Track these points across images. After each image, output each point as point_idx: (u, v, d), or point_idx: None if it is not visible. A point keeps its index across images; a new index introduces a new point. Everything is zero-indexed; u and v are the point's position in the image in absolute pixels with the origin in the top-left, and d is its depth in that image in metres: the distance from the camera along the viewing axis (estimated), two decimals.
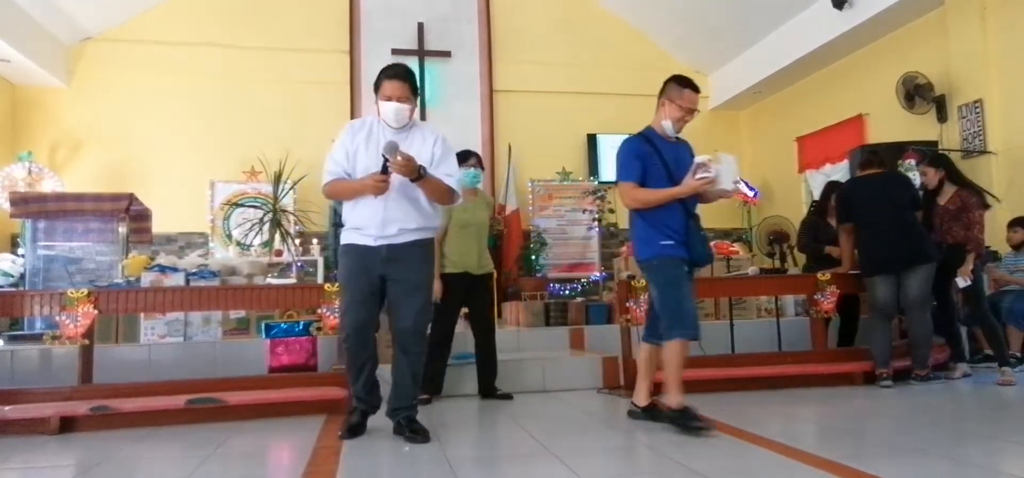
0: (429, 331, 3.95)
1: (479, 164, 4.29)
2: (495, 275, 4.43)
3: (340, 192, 3.14)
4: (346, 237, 3.15)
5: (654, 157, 3.29)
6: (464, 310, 4.27)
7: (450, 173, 3.14)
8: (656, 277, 3.25)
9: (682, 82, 3.29)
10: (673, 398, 3.14)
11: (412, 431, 3.05)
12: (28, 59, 7.02)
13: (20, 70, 7.30)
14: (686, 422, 3.03)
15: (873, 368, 4.34)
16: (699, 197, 3.28)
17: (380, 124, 3.13)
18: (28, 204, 5.50)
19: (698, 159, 3.19)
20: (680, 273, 3.21)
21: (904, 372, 4.40)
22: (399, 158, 2.87)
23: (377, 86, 3.11)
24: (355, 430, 3.13)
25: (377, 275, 3.07)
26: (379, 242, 3.05)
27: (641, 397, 3.39)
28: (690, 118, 3.32)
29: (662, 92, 3.37)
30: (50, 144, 7.75)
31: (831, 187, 5.30)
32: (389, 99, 3.06)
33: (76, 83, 7.90)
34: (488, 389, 4.14)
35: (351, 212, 3.13)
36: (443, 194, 3.13)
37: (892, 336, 4.50)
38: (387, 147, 2.88)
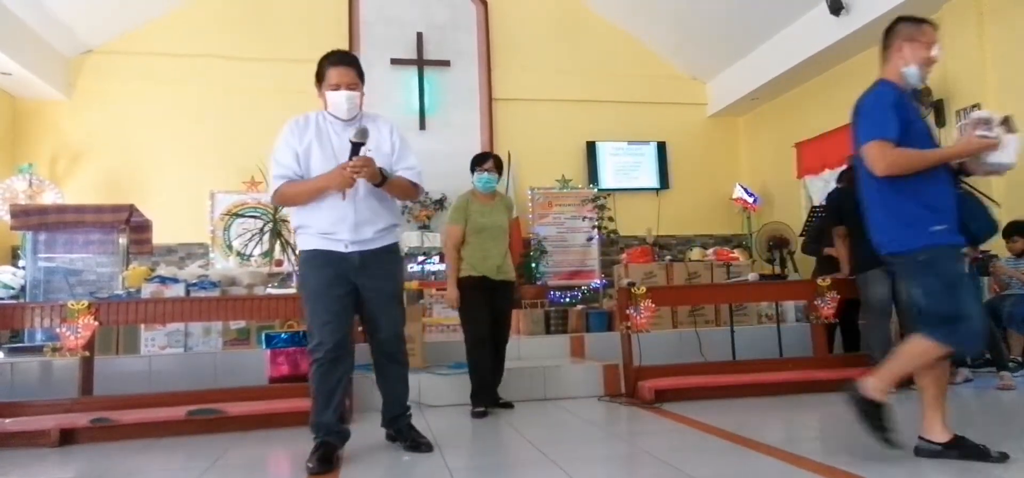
0: (465, 339, 3.96)
1: (497, 167, 4.09)
2: (515, 283, 4.24)
3: (297, 194, 2.80)
4: (310, 242, 2.85)
5: (909, 110, 2.55)
6: None
7: (411, 166, 2.96)
8: (928, 275, 2.47)
9: (915, 19, 2.63)
10: (879, 388, 2.52)
11: (414, 440, 3.02)
12: (29, 72, 7.04)
13: (21, 83, 7.32)
14: (874, 422, 2.50)
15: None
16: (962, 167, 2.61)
17: (326, 118, 2.89)
18: (29, 216, 5.51)
19: (979, 114, 2.58)
20: (961, 270, 2.51)
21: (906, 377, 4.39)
22: (366, 151, 2.71)
23: (320, 76, 2.87)
24: (327, 461, 2.72)
25: (351, 284, 2.84)
26: (351, 248, 2.83)
27: (937, 432, 2.56)
28: (936, 59, 2.61)
29: (890, 38, 2.67)
30: (50, 156, 7.77)
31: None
32: (338, 87, 2.80)
33: (76, 95, 7.93)
34: (491, 397, 4.10)
35: (313, 215, 2.82)
36: (408, 192, 2.99)
37: (891, 339, 4.49)
38: (357, 132, 2.69)
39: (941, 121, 6.33)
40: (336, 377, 2.83)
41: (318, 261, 2.84)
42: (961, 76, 6.18)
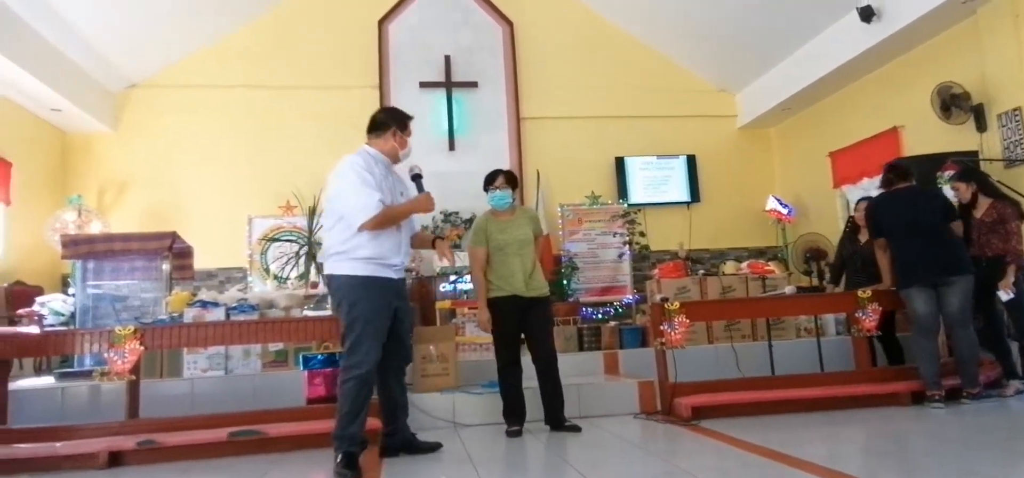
0: (496, 359, 3.98)
1: (509, 182, 4.03)
2: (549, 298, 4.12)
3: (394, 215, 3.22)
4: (365, 269, 3.12)
5: None
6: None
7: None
8: None
9: None
10: None
11: (419, 442, 3.40)
12: (78, 107, 7.36)
13: (70, 118, 7.66)
14: None
15: (923, 388, 4.20)
16: None
17: (377, 159, 3.33)
18: (78, 245, 5.70)
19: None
20: None
21: (954, 391, 4.25)
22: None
23: (402, 124, 3.42)
24: (356, 466, 3.07)
25: (393, 309, 3.23)
26: (397, 274, 3.27)
27: None
28: None
29: None
30: (98, 187, 8.08)
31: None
32: (410, 135, 3.47)
33: (122, 128, 8.25)
34: (556, 421, 3.93)
35: (375, 242, 3.14)
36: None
37: (939, 353, 4.35)
38: (416, 168, 3.40)
39: (982, 126, 6.15)
40: (367, 393, 3.16)
41: (373, 288, 3.15)
42: (1000, 79, 6.01)
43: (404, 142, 3.40)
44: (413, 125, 3.50)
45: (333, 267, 3.22)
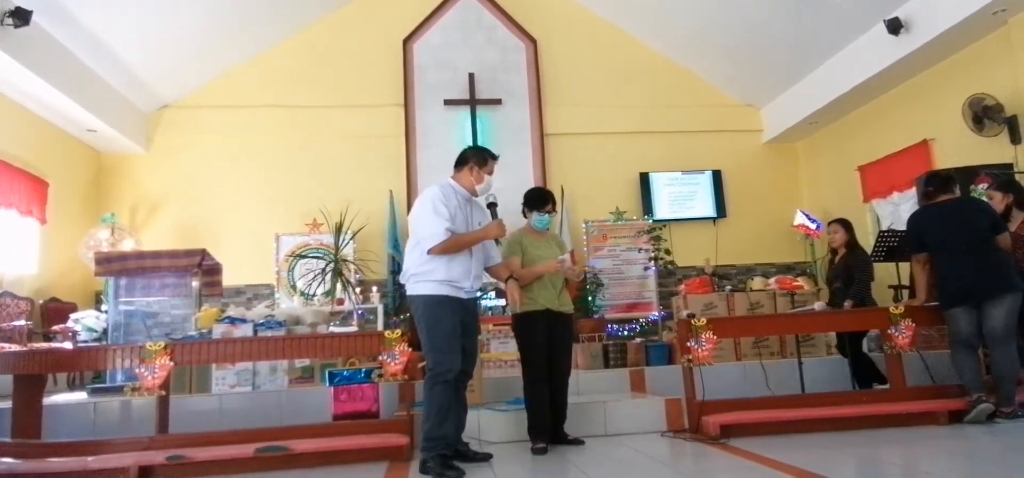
0: (523, 375, 4.03)
1: (554, 208, 4.23)
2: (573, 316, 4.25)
3: (460, 243, 3.49)
4: (439, 289, 3.44)
5: None
6: None
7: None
8: None
9: None
10: None
11: (471, 452, 3.59)
12: (112, 128, 7.57)
13: (104, 138, 7.87)
14: None
15: (963, 406, 4.07)
16: None
17: (456, 191, 3.63)
18: (111, 263, 5.83)
19: None
20: None
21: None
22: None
23: (481, 161, 3.68)
24: (454, 467, 3.31)
25: (464, 325, 3.51)
26: (468, 295, 3.56)
27: None
28: None
29: None
30: (131, 206, 8.28)
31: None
32: (491, 173, 3.71)
33: (154, 148, 8.46)
34: (557, 434, 4.01)
35: (448, 266, 3.45)
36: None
37: (980, 365, 4.21)
38: (491, 197, 3.69)
39: (1016, 138, 6.01)
40: (453, 396, 3.43)
41: (448, 306, 3.47)
42: None
43: (481, 177, 3.68)
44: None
45: (412, 289, 3.52)
